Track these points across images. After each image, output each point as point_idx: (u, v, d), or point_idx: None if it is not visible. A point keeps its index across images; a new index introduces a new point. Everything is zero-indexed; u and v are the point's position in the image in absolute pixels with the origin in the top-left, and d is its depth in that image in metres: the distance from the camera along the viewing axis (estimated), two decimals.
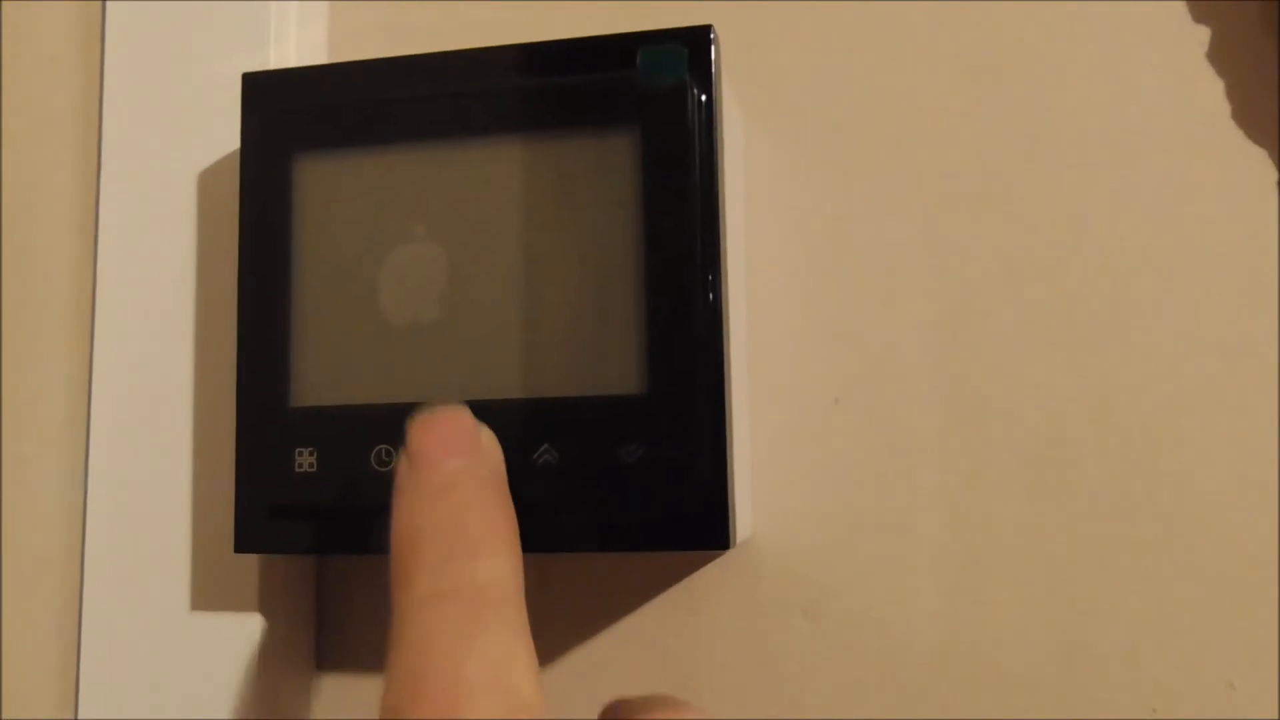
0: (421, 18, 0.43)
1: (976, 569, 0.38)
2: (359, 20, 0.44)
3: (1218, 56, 0.39)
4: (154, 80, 0.43)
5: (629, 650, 0.40)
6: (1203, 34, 0.39)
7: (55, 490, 0.43)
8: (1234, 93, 0.38)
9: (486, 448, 0.30)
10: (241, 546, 0.37)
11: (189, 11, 0.42)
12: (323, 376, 0.37)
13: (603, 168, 0.35)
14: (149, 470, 0.41)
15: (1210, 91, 0.38)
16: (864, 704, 0.38)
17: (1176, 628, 0.37)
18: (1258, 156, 0.38)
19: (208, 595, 0.40)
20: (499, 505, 0.28)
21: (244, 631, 0.40)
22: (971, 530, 0.38)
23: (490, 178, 0.36)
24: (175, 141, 0.42)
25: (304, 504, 0.36)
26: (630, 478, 0.34)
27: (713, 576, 0.40)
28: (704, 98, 0.35)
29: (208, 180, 0.42)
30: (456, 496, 0.28)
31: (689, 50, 0.35)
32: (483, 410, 0.35)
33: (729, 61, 0.40)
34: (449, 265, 0.36)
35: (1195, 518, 0.37)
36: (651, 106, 0.35)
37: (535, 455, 0.35)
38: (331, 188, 0.37)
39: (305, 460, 0.36)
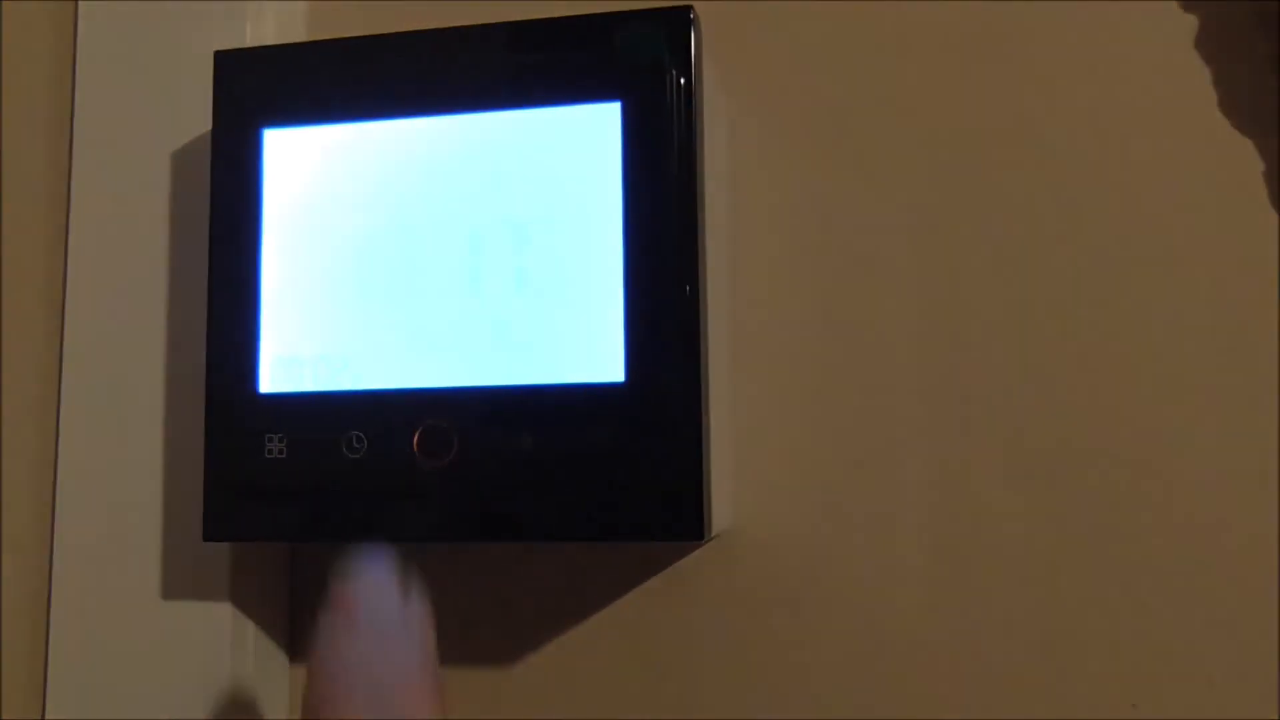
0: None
1: (959, 561, 0.38)
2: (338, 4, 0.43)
3: (1205, 45, 0.38)
4: (128, 58, 0.42)
5: (608, 641, 0.39)
6: (1190, 23, 0.38)
7: (24, 474, 0.43)
8: (1221, 82, 0.38)
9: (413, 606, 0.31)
10: (211, 534, 0.36)
11: None
12: (293, 363, 0.36)
13: (580, 146, 0.34)
14: (119, 455, 0.40)
15: (1197, 81, 0.38)
16: (846, 695, 0.38)
17: (1159, 621, 0.36)
18: (1244, 146, 0.38)
19: (179, 584, 0.40)
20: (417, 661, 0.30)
21: (216, 621, 0.39)
22: (954, 522, 0.38)
23: (465, 154, 0.35)
24: (148, 120, 0.41)
25: (274, 491, 0.36)
26: (606, 467, 0.33)
27: (694, 566, 0.39)
28: (683, 79, 0.34)
29: (181, 160, 0.41)
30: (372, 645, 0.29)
31: (669, 30, 0.34)
32: (458, 397, 0.34)
33: (716, 50, 0.39)
34: (423, 246, 0.35)
35: (1179, 510, 0.37)
36: (630, 84, 0.34)
37: (510, 443, 0.34)
38: (303, 164, 0.36)
39: (275, 447, 0.36)
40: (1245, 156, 0.37)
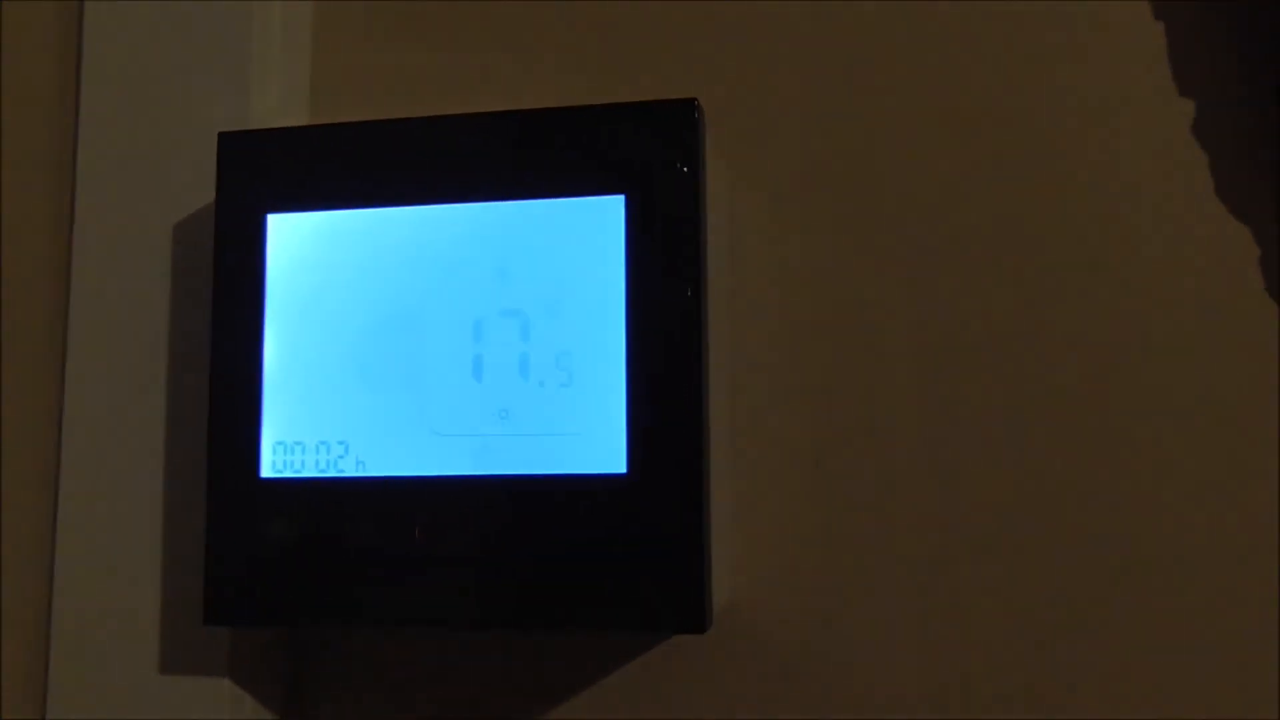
0: (406, 72, 0.43)
1: (956, 640, 0.38)
2: (341, 72, 0.44)
3: (1202, 131, 0.39)
4: (130, 130, 0.42)
5: (603, 718, 0.39)
6: (1188, 107, 0.39)
7: (26, 550, 0.43)
8: (1217, 168, 0.38)
9: None
10: (211, 619, 0.36)
11: (168, 61, 0.42)
12: (294, 448, 0.36)
13: (584, 238, 0.35)
14: (121, 533, 0.40)
15: (1196, 166, 0.38)
16: None
17: (1149, 672, 0.37)
18: (1250, 255, 0.38)
19: (178, 660, 0.39)
20: None
21: (215, 697, 0.39)
22: (951, 599, 0.38)
23: (471, 243, 0.35)
24: (150, 192, 0.41)
25: (274, 576, 0.35)
26: (608, 558, 0.33)
27: (691, 643, 0.39)
28: (686, 170, 0.34)
29: (182, 233, 0.41)
30: None
31: (673, 123, 0.34)
32: (461, 486, 0.34)
33: (717, 122, 0.39)
34: (427, 333, 0.35)
35: (1176, 583, 0.37)
36: (634, 177, 0.34)
37: (512, 532, 0.34)
38: (307, 248, 0.36)
39: (276, 532, 0.36)
40: (1249, 260, 0.38)
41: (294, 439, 0.36)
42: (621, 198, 0.34)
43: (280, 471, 0.36)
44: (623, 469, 0.34)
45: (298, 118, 0.43)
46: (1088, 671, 0.37)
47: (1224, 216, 0.38)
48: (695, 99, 0.35)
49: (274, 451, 0.36)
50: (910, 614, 0.38)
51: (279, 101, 0.42)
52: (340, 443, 0.36)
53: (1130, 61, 0.39)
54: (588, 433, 0.34)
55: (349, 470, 0.35)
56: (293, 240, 0.37)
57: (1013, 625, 0.38)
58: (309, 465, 0.36)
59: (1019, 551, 0.38)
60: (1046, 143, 0.39)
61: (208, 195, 0.40)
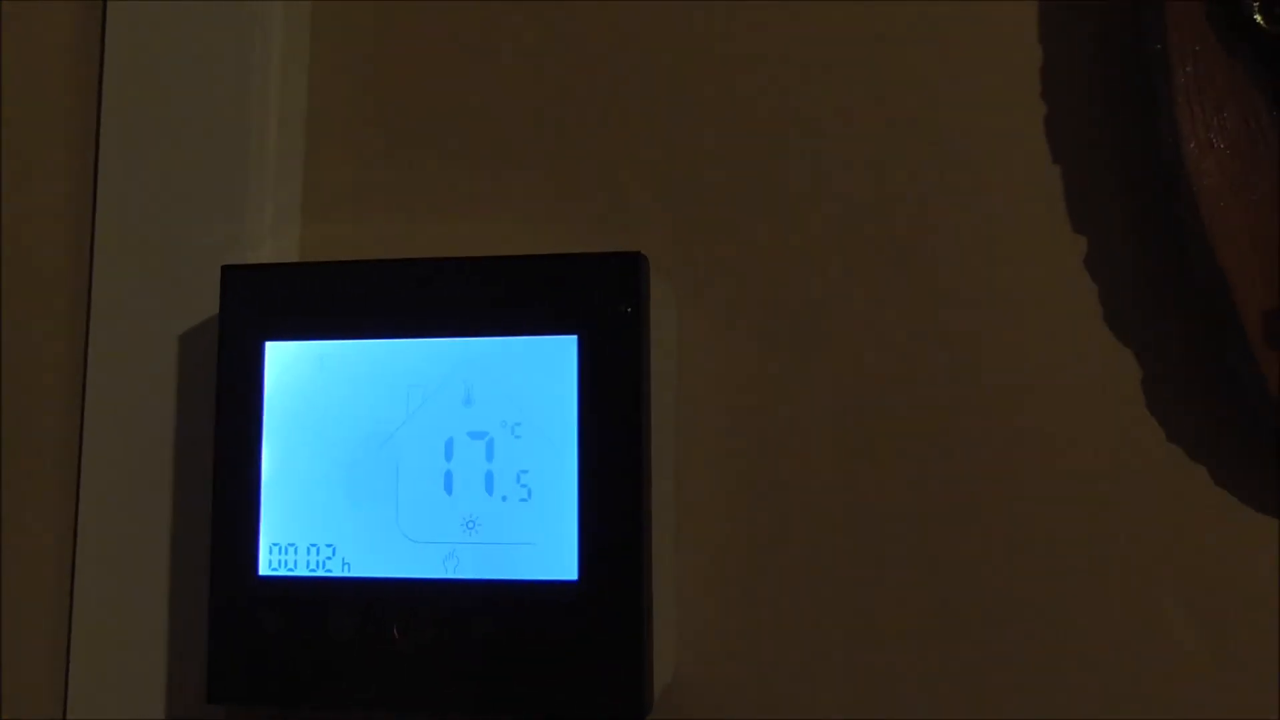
0: (392, 193, 0.48)
1: (886, 712, 0.43)
2: (330, 187, 0.48)
3: (1092, 263, 0.44)
4: (138, 249, 0.47)
5: None
6: (1080, 243, 0.44)
7: (39, 645, 0.47)
8: (1104, 296, 0.43)
9: None
10: (214, 697, 0.41)
11: (174, 184, 0.46)
12: (288, 549, 0.41)
13: (542, 371, 0.40)
14: (131, 621, 0.45)
15: (1084, 292, 0.43)
16: None
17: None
18: (1124, 355, 0.43)
19: None
20: None
21: None
22: (879, 677, 0.43)
23: (443, 373, 0.40)
24: (158, 306, 0.46)
25: (269, 663, 0.40)
26: (560, 653, 0.38)
27: None
28: (632, 313, 0.39)
29: (187, 346, 0.46)
30: None
31: (620, 273, 0.40)
32: (433, 587, 0.39)
33: (668, 265, 0.44)
34: (405, 451, 0.40)
35: (1064, 671, 0.42)
36: (586, 319, 0.40)
37: (476, 629, 0.39)
38: (301, 373, 0.41)
39: (271, 623, 0.40)
40: (1127, 366, 0.43)
41: (288, 541, 0.41)
42: (574, 337, 0.39)
43: (275, 570, 0.41)
44: (574, 576, 0.39)
45: (290, 234, 0.48)
46: None
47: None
48: (640, 252, 0.40)
49: (270, 552, 0.41)
50: (846, 698, 0.43)
51: (273, 220, 0.47)
52: (329, 545, 0.41)
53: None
54: (544, 543, 0.39)
55: (336, 570, 0.40)
56: (288, 365, 0.41)
57: (954, 698, 0.43)
58: (301, 565, 0.41)
59: (958, 630, 0.42)
60: (965, 281, 0.44)
61: (209, 308, 0.45)
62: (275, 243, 0.46)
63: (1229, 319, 0.41)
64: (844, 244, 0.45)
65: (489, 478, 0.40)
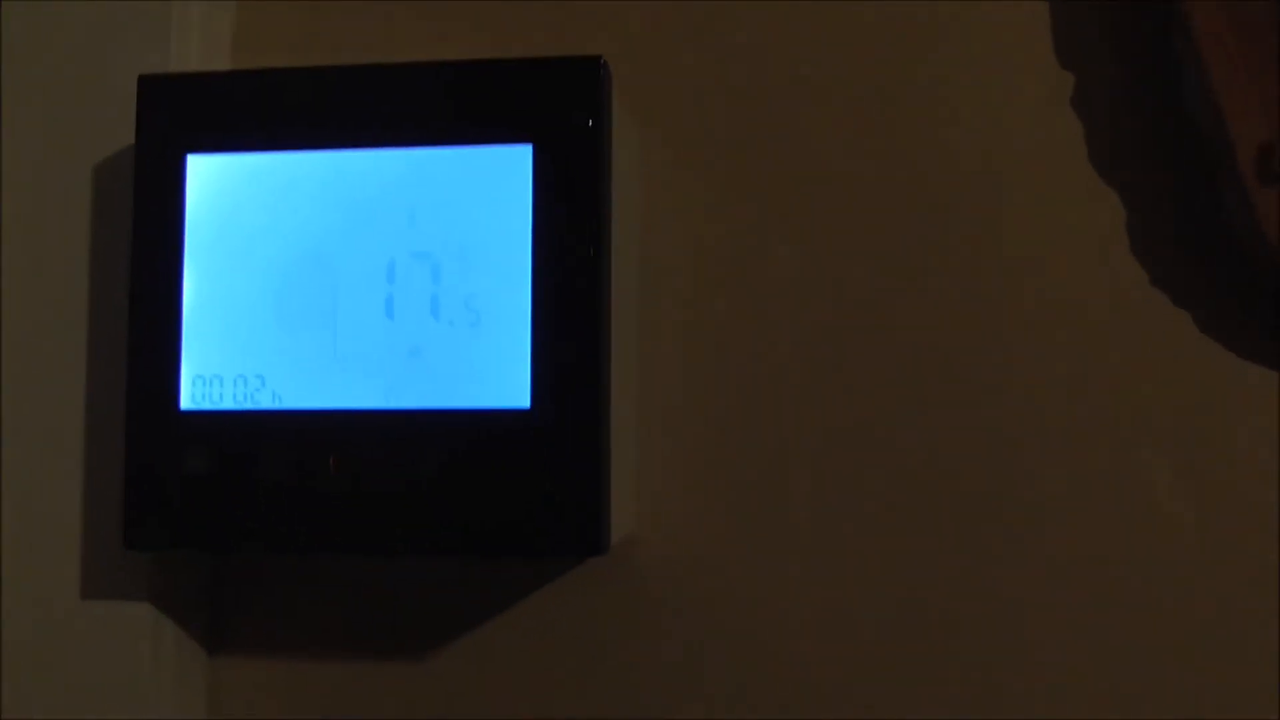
0: (325, 23, 0.44)
1: (840, 567, 0.41)
2: (262, 21, 0.44)
3: (1079, 102, 0.41)
4: (51, 73, 0.42)
5: (510, 642, 0.42)
6: (1067, 79, 0.42)
7: None
8: (1090, 137, 0.41)
9: None
10: (131, 544, 0.38)
11: (90, 9, 0.42)
12: (213, 381, 0.37)
13: (493, 184, 0.37)
14: (39, 460, 0.41)
15: (1070, 133, 0.41)
16: (734, 693, 0.41)
17: (1023, 631, 0.40)
18: (1109, 196, 0.41)
19: (98, 585, 0.41)
20: None
21: (136, 620, 0.41)
22: (836, 532, 0.41)
23: (385, 187, 0.37)
24: (71, 136, 0.42)
25: (193, 504, 0.37)
26: (512, 486, 0.36)
27: (592, 574, 0.42)
28: (591, 124, 0.36)
29: (102, 174, 0.42)
30: None
31: (579, 79, 0.36)
32: (373, 419, 0.36)
33: (626, 82, 0.41)
34: (342, 273, 0.37)
35: (1046, 527, 0.40)
36: (543, 128, 0.36)
37: (421, 463, 0.36)
38: (226, 191, 0.38)
39: (194, 462, 0.37)
40: (1110, 205, 0.41)
41: (213, 372, 0.38)
42: (529, 147, 0.36)
43: (199, 404, 0.37)
44: (526, 404, 0.36)
45: (219, 64, 0.44)
46: (965, 595, 0.40)
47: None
48: (600, 56, 0.37)
49: (193, 384, 0.38)
50: (800, 552, 0.41)
51: (200, 48, 0.43)
52: (258, 376, 0.37)
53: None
54: (494, 370, 0.36)
55: (266, 403, 0.37)
56: (212, 181, 0.38)
57: (902, 556, 0.41)
58: (227, 398, 0.37)
59: (927, 487, 0.41)
60: (944, 109, 0.42)
61: (126, 136, 0.41)
62: (203, 51, 0.42)
63: (1223, 154, 0.39)
64: (830, 63, 0.42)
65: (434, 301, 0.37)
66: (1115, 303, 0.41)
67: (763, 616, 0.41)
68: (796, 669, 0.41)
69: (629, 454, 0.40)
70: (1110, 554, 0.40)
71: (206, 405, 0.37)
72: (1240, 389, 0.40)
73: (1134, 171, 0.41)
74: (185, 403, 0.37)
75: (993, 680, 0.40)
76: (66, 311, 0.41)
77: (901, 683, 0.40)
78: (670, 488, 0.41)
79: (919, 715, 0.40)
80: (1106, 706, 0.40)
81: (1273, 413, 0.40)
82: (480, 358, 0.36)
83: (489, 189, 0.36)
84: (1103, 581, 0.40)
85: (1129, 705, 0.39)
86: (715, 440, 0.41)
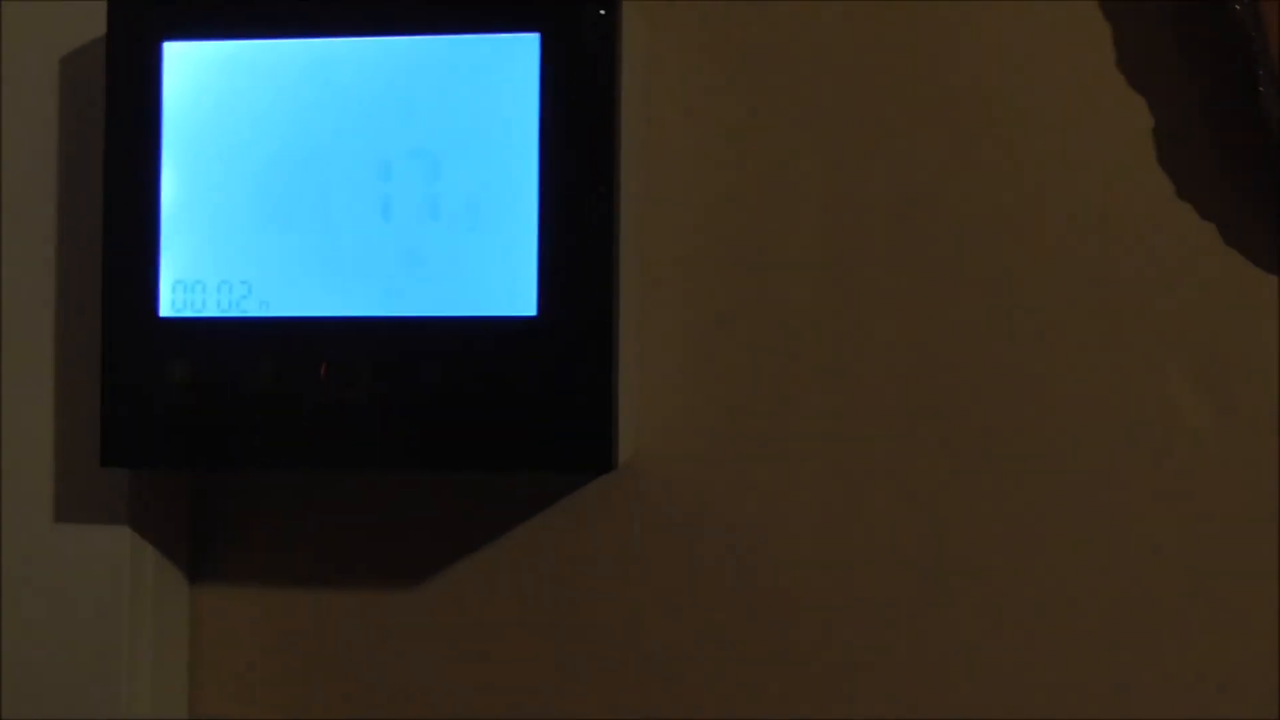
0: None
1: (848, 484, 0.39)
2: None
3: (1107, 3, 0.40)
4: None
5: (511, 566, 0.40)
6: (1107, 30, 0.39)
7: None
8: (1119, 37, 0.39)
9: None
10: (108, 459, 0.36)
11: None
12: (195, 287, 0.35)
13: (497, 76, 0.34)
14: (9, 373, 0.39)
15: (1098, 34, 0.39)
16: (739, 613, 0.40)
17: (1038, 546, 0.39)
18: (1137, 102, 0.39)
19: (74, 507, 0.39)
20: None
21: (113, 544, 0.39)
22: (844, 448, 0.39)
23: (379, 78, 0.35)
24: (37, 26, 0.39)
25: (174, 417, 0.35)
26: (516, 400, 0.34)
27: (597, 492, 0.40)
28: (604, 11, 0.34)
29: (70, 67, 0.39)
30: None
31: None
32: (367, 327, 0.34)
33: None
34: (333, 171, 0.35)
35: (1062, 439, 0.39)
36: (550, 16, 0.34)
37: (420, 375, 0.34)
38: (206, 80, 0.35)
39: (176, 373, 0.35)
40: (1142, 123, 0.39)
41: (195, 278, 0.35)
42: (537, 36, 0.34)
43: (180, 311, 0.35)
44: (533, 311, 0.34)
45: None
46: (972, 517, 0.39)
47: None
48: None
49: (174, 290, 0.35)
50: (808, 469, 0.40)
51: None
52: (243, 282, 0.35)
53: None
54: (498, 275, 0.34)
55: (252, 310, 0.35)
56: (190, 71, 0.35)
57: (910, 473, 0.39)
58: (210, 305, 0.35)
59: (937, 409, 0.39)
60: (973, 27, 0.40)
61: (97, 27, 0.38)
62: None
63: (1260, 55, 0.37)
64: None
65: (433, 201, 0.34)
66: (1140, 212, 0.39)
67: (769, 536, 0.40)
68: (802, 589, 0.39)
69: (632, 373, 0.38)
70: (1126, 466, 0.39)
71: (188, 312, 0.35)
72: (1268, 302, 0.39)
73: (1163, 74, 0.39)
74: (165, 309, 0.35)
75: (1001, 601, 0.39)
76: (36, 213, 0.39)
77: (906, 601, 0.39)
78: (675, 407, 0.40)
79: (923, 629, 0.39)
80: (1118, 621, 0.39)
81: None
82: (483, 261, 0.34)
83: (492, 81, 0.34)
84: (1117, 493, 0.39)
85: (1139, 618, 0.39)
86: (721, 359, 0.40)
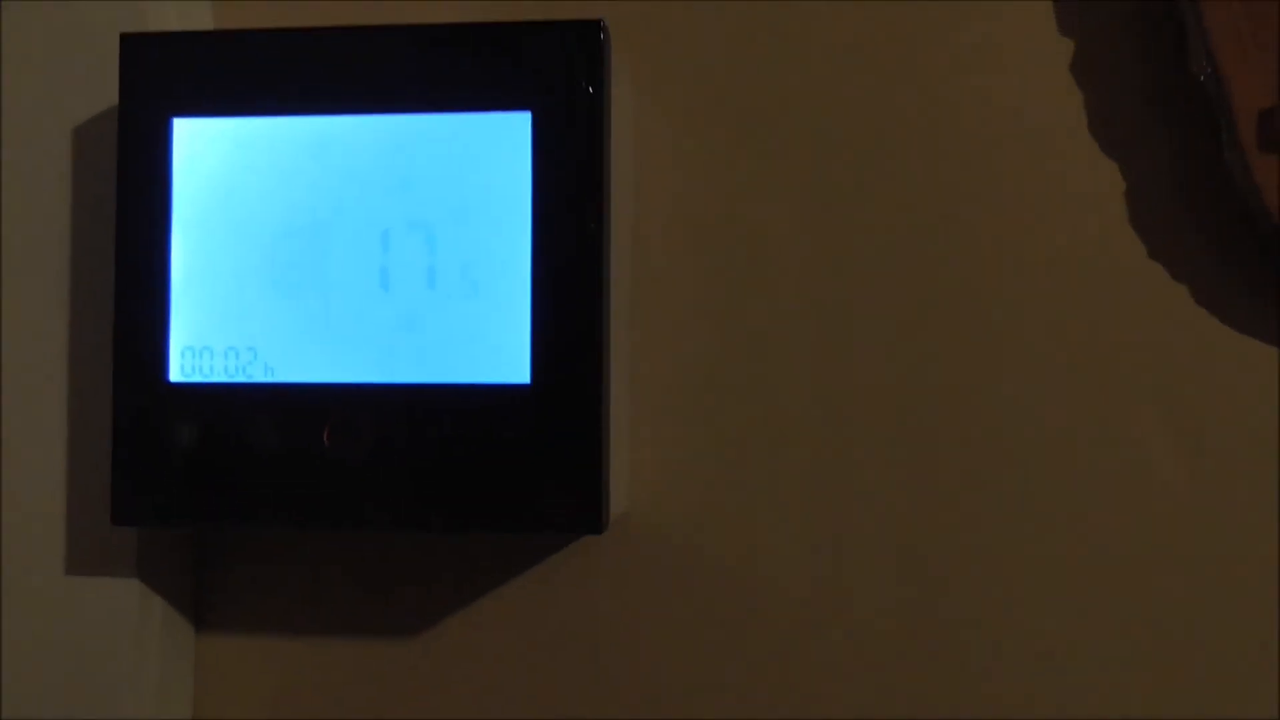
0: None
1: (838, 543, 0.40)
2: None
3: (1079, 69, 0.41)
4: (27, 30, 0.41)
5: (507, 618, 0.41)
6: (1067, 46, 0.41)
7: None
8: (1091, 104, 0.41)
9: None
10: (118, 519, 0.37)
11: None
12: (202, 353, 0.36)
13: (491, 152, 0.36)
14: (22, 435, 0.40)
15: (1070, 101, 0.41)
16: (730, 668, 0.41)
17: (1018, 597, 0.40)
18: (1109, 166, 0.41)
19: (85, 561, 0.40)
20: None
21: (122, 597, 0.40)
22: (832, 504, 0.41)
23: (379, 154, 0.36)
24: (50, 95, 0.41)
25: (182, 479, 0.36)
26: (510, 464, 0.35)
27: (589, 548, 0.41)
28: (591, 90, 0.35)
29: (83, 137, 0.41)
30: None
31: (579, 43, 0.35)
32: (368, 393, 0.36)
33: (623, 43, 0.40)
34: (335, 242, 0.36)
35: (1039, 498, 0.40)
36: (541, 94, 0.35)
37: (417, 439, 0.35)
38: (214, 157, 0.37)
39: (183, 436, 0.36)
40: (1109, 175, 0.40)
41: (203, 344, 0.37)
42: (528, 114, 0.35)
43: (189, 376, 0.36)
44: (526, 379, 0.35)
45: (200, 23, 0.42)
46: (957, 569, 0.40)
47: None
48: (601, 20, 0.36)
49: (182, 356, 0.37)
50: (797, 523, 0.41)
51: (178, 10, 0.42)
52: (249, 349, 0.36)
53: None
54: (492, 343, 0.35)
55: (257, 376, 0.36)
56: (199, 146, 0.37)
57: (898, 534, 0.41)
58: (217, 370, 0.36)
59: (926, 461, 0.40)
60: (944, 78, 0.41)
61: (108, 99, 0.39)
62: (183, 22, 0.41)
63: (1225, 120, 0.38)
64: (827, 31, 0.41)
65: (430, 272, 0.36)
66: (1113, 273, 0.40)
67: (759, 594, 0.41)
68: (794, 647, 0.41)
69: (624, 430, 0.39)
70: (1106, 524, 0.40)
71: (196, 378, 0.36)
72: (1240, 362, 0.40)
73: (1135, 138, 0.41)
74: (174, 375, 0.37)
75: (991, 665, 0.40)
76: (49, 280, 0.40)
77: (897, 659, 0.40)
78: (664, 465, 0.41)
79: (915, 692, 0.40)
80: (1106, 687, 0.40)
81: (1273, 385, 0.40)
82: (478, 330, 0.35)
83: (487, 156, 0.36)
84: (1098, 554, 0.40)
85: (1124, 679, 0.40)
86: (710, 417, 0.41)
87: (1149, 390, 0.40)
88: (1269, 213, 0.38)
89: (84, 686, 0.40)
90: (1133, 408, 0.40)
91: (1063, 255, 0.41)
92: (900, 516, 0.40)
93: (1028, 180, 0.41)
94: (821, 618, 0.40)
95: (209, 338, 0.37)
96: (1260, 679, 0.39)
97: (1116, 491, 0.40)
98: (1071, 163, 0.41)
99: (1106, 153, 0.41)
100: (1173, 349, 0.40)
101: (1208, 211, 0.40)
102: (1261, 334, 0.40)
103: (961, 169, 0.41)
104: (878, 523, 0.41)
